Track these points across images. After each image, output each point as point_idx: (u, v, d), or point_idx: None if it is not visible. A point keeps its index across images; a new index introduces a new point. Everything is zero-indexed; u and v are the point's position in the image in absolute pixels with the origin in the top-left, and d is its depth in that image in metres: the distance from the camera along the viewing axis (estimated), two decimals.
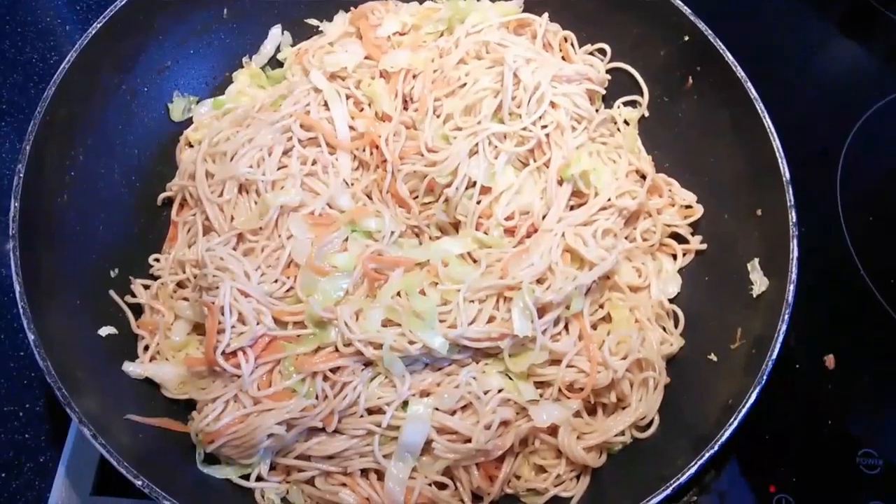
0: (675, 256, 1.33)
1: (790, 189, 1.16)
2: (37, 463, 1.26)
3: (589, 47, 1.46)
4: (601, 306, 1.25)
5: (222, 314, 1.10)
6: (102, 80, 1.26)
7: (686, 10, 1.32)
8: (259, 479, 1.10)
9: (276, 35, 1.48)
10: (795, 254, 1.12)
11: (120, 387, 1.15)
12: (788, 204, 1.16)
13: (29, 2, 1.64)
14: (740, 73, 1.26)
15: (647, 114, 1.42)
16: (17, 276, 1.03)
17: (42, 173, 1.13)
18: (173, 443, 1.12)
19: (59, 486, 1.21)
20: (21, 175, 1.09)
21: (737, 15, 1.68)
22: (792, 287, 1.10)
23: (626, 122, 1.43)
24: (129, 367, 1.16)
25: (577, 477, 1.15)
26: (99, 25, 1.22)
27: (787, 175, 1.17)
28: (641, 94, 1.43)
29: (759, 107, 1.23)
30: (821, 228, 1.44)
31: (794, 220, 1.15)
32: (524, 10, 1.45)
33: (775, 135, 1.20)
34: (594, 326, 1.22)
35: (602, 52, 1.45)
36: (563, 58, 1.45)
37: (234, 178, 1.25)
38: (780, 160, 1.19)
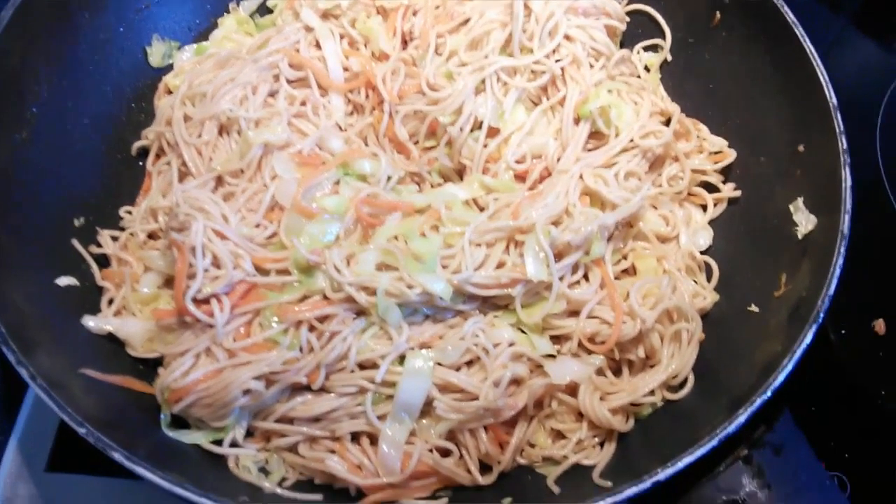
0: (704, 207, 1.19)
1: (838, 115, 1.03)
2: None
3: None
4: (625, 257, 1.11)
5: (194, 255, 0.96)
6: (70, 11, 1.14)
7: None
8: (234, 444, 0.96)
9: None
10: (849, 182, 0.99)
11: (78, 343, 1.01)
12: (838, 130, 1.02)
13: None
14: None
15: (670, 58, 1.30)
16: None
17: None
18: (137, 405, 0.98)
19: (10, 461, 1.08)
20: None
21: None
22: (847, 217, 0.96)
23: (646, 69, 1.30)
24: (90, 322, 1.02)
25: (601, 444, 1.00)
26: None
27: (835, 100, 1.04)
28: (663, 37, 1.30)
29: (799, 31, 1.10)
30: (860, 185, 1.29)
31: (845, 146, 1.01)
32: None
33: (818, 60, 1.07)
34: (617, 278, 1.08)
35: None
36: None
37: (215, 116, 1.13)
38: (825, 85, 1.06)
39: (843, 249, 0.94)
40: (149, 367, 1.03)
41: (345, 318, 0.98)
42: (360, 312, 0.98)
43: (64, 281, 1.04)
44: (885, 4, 1.60)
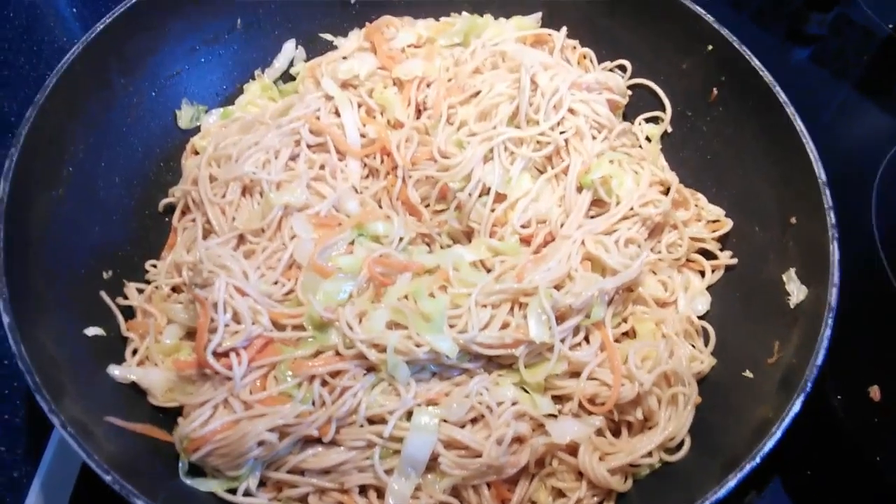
0: (702, 273, 1.24)
1: (827, 191, 1.09)
2: (9, 478, 1.16)
3: (608, 64, 1.42)
4: (625, 320, 1.16)
5: (215, 311, 1.02)
6: (110, 78, 1.23)
7: (709, 17, 1.28)
8: (247, 493, 1.00)
9: (290, 49, 1.45)
10: (836, 256, 1.04)
11: (104, 391, 1.06)
12: (826, 206, 1.08)
13: None
14: (768, 77, 1.20)
15: (669, 129, 1.37)
16: (2, 267, 0.96)
17: (37, 161, 1.08)
18: (157, 452, 1.02)
19: (33, 502, 1.11)
20: (14, 159, 1.04)
21: None
22: (835, 290, 1.01)
23: (647, 139, 1.37)
24: (115, 371, 1.08)
25: (601, 503, 1.03)
26: (108, 20, 1.20)
27: (823, 176, 1.10)
28: (664, 110, 1.37)
29: (790, 110, 1.16)
30: (856, 253, 1.35)
31: (834, 221, 1.06)
32: (542, 27, 1.42)
33: (808, 137, 1.13)
34: (616, 340, 1.13)
35: (622, 68, 1.41)
36: None
37: (238, 178, 1.20)
38: (814, 162, 1.12)
39: (830, 321, 0.99)
40: (168, 416, 1.07)
41: (356, 373, 1.03)
42: (371, 368, 1.04)
43: (92, 331, 1.09)
44: (889, 67, 1.68)
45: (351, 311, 1.05)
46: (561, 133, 1.23)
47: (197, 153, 1.34)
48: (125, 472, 0.90)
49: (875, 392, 1.21)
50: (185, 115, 1.35)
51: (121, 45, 1.23)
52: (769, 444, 0.92)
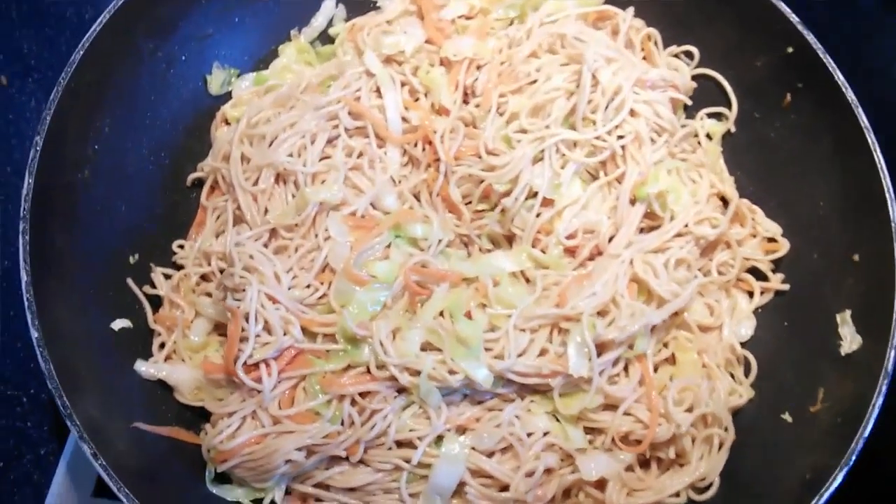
0: (751, 294, 1.19)
1: None
2: (37, 455, 1.17)
3: (675, 49, 1.30)
4: (665, 345, 1.12)
5: (246, 321, 0.99)
6: (137, 44, 1.15)
7: (794, 17, 1.16)
8: None
9: (330, 7, 1.34)
10: None
11: (129, 387, 1.05)
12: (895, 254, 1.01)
13: None
14: (851, 96, 1.10)
15: (733, 129, 1.27)
16: (25, 263, 0.92)
17: (62, 147, 1.03)
18: (182, 454, 1.02)
19: (59, 483, 1.14)
20: (38, 148, 0.98)
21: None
22: (893, 353, 0.96)
23: (708, 137, 1.28)
24: (142, 367, 1.06)
25: None
26: None
27: None
28: (729, 107, 1.27)
29: (871, 138, 1.07)
30: None
31: None
32: (606, 2, 1.30)
33: (886, 172, 1.05)
34: (656, 368, 1.10)
35: (689, 55, 1.30)
36: (644, 58, 1.30)
37: (272, 165, 1.13)
38: (889, 202, 1.04)
39: (884, 388, 0.94)
40: (195, 413, 1.07)
41: (386, 395, 1.00)
42: (402, 390, 1.01)
43: (119, 324, 1.07)
44: None
45: (385, 328, 1.01)
46: (619, 138, 1.14)
47: (227, 122, 1.27)
48: (147, 479, 0.91)
49: None
50: (217, 80, 1.27)
51: (150, 9, 1.14)
52: None
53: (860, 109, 1.09)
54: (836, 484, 0.90)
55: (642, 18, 1.30)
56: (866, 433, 0.92)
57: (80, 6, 1.48)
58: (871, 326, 1.01)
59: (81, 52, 1.05)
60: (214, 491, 1.00)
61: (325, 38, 1.35)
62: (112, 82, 1.11)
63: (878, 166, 1.06)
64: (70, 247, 1.03)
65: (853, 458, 0.91)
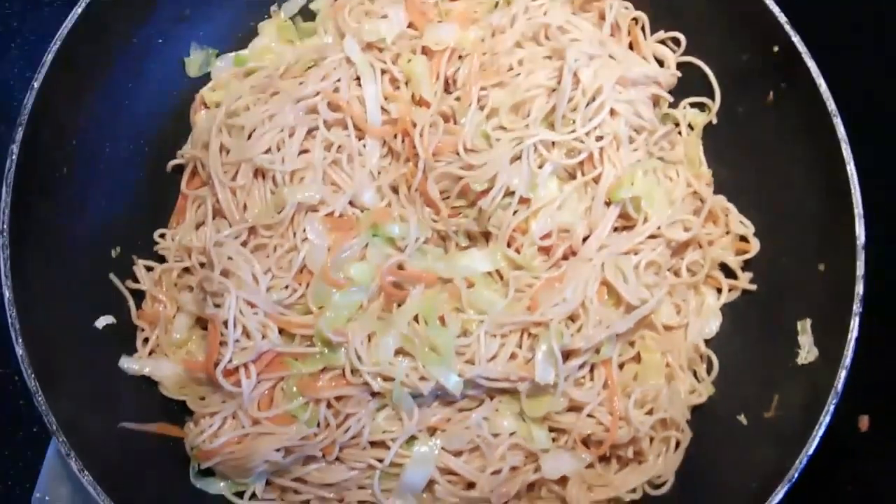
0: (719, 290, 1.22)
1: (863, 256, 1.04)
2: (30, 433, 1.24)
3: (662, 34, 1.28)
4: (632, 344, 1.16)
5: (225, 328, 1.03)
6: (111, 33, 1.13)
7: (782, 17, 1.13)
8: (253, 497, 1.07)
9: None
10: (855, 334, 1.01)
11: (115, 382, 1.10)
12: (858, 273, 1.03)
13: None
14: (832, 106, 1.09)
15: (715, 121, 1.26)
16: (6, 277, 0.94)
17: (39, 149, 1.03)
18: (168, 447, 1.08)
19: (52, 461, 1.18)
20: (14, 157, 0.98)
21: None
22: (843, 373, 1.00)
23: (690, 127, 1.28)
24: (126, 364, 1.11)
25: None
26: None
27: (863, 239, 1.04)
28: (712, 98, 1.26)
29: (847, 152, 1.07)
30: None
31: (861, 293, 1.03)
32: None
33: (858, 190, 1.06)
34: (622, 365, 1.14)
35: (676, 41, 1.27)
36: (630, 44, 1.28)
37: (250, 162, 1.13)
38: (856, 219, 1.05)
39: (832, 408, 0.99)
40: (180, 405, 1.12)
41: (361, 399, 1.05)
42: (376, 393, 1.06)
43: (102, 322, 1.11)
44: None
45: (360, 334, 1.05)
46: (598, 139, 1.14)
47: (206, 106, 1.25)
48: (129, 479, 0.97)
49: (864, 422, 1.23)
50: (195, 62, 1.25)
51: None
52: None
53: (838, 119, 1.09)
54: (777, 498, 0.96)
55: (631, 2, 1.27)
56: (811, 451, 0.98)
57: None
58: (826, 341, 1.05)
59: (54, 50, 1.03)
60: (198, 485, 1.06)
61: (307, 12, 1.32)
62: (87, 75, 1.10)
63: (851, 183, 1.06)
64: (51, 248, 1.06)
65: (796, 475, 0.97)
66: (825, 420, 0.98)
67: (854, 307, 1.02)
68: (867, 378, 1.23)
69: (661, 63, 1.27)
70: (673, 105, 1.27)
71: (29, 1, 1.41)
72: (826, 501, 1.19)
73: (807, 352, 1.08)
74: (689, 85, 1.27)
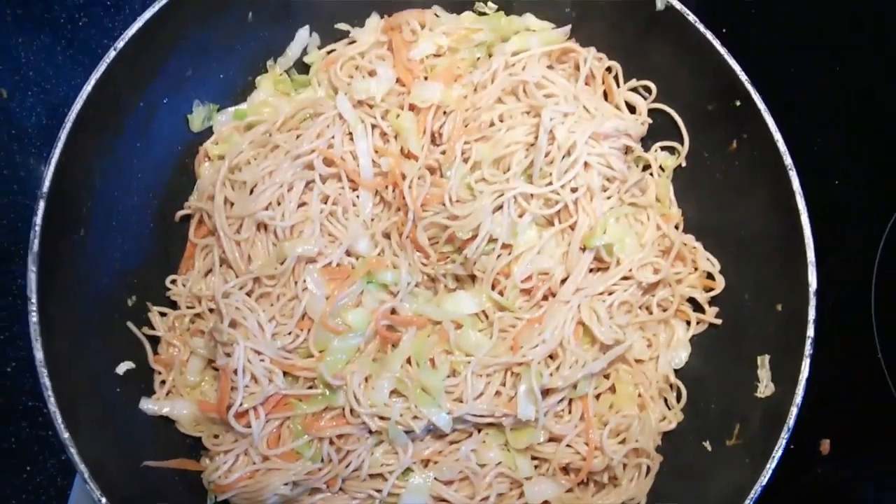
0: (689, 323, 1.32)
1: (814, 302, 1.14)
2: (59, 461, 1.34)
3: (634, 83, 1.37)
4: (607, 377, 1.27)
5: (235, 375, 1.13)
6: (121, 101, 1.20)
7: (743, 76, 1.22)
8: None
9: (304, 37, 1.38)
10: (806, 374, 1.12)
11: (136, 422, 1.20)
12: (810, 318, 1.14)
13: None
14: (788, 160, 1.19)
15: (684, 164, 1.36)
16: (36, 341, 1.04)
17: (60, 213, 1.11)
18: (187, 482, 1.19)
19: (80, 485, 1.30)
20: (37, 228, 1.07)
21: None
22: (795, 410, 1.11)
23: (661, 168, 1.38)
24: (146, 405, 1.21)
25: None
26: (120, 45, 1.15)
27: (815, 286, 1.14)
28: (681, 142, 1.36)
29: (801, 203, 1.17)
30: (848, 305, 1.42)
31: (812, 335, 1.13)
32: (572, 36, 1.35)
33: (811, 242, 1.16)
34: (598, 396, 1.25)
35: (647, 89, 1.36)
36: (605, 92, 1.37)
37: (253, 217, 1.23)
38: (809, 267, 1.15)
39: (784, 442, 1.10)
40: (195, 440, 1.23)
41: (360, 436, 1.16)
42: (373, 431, 1.17)
43: (123, 367, 1.20)
44: None
45: (357, 378, 1.16)
46: (572, 191, 1.24)
47: (210, 158, 1.34)
48: None
49: (825, 446, 1.35)
50: (198, 118, 1.33)
51: (131, 63, 1.19)
52: None
53: (794, 173, 1.18)
54: None
55: (605, 53, 1.36)
56: (765, 481, 1.09)
57: (74, 11, 1.51)
58: (782, 378, 1.16)
59: (69, 125, 1.11)
60: None
61: (301, 66, 1.40)
62: (100, 142, 1.18)
63: (805, 233, 1.16)
64: (74, 305, 1.14)
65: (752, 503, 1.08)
66: (778, 454, 1.09)
67: (805, 350, 1.13)
68: (828, 403, 1.36)
69: (632, 109, 1.37)
70: (645, 147, 1.37)
71: (43, 49, 1.49)
72: None
73: (765, 386, 1.19)
74: (659, 129, 1.37)
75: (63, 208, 1.13)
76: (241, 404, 1.13)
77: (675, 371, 1.30)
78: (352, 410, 1.15)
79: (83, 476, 1.03)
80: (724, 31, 1.29)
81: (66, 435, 1.05)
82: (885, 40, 1.55)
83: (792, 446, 1.30)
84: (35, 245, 1.07)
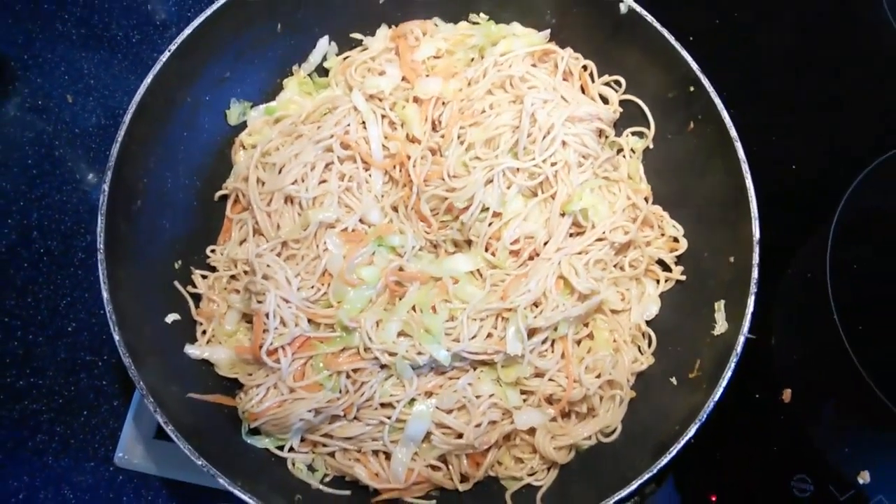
0: (658, 281, 1.52)
1: (757, 249, 1.33)
2: (111, 406, 1.55)
3: (606, 78, 1.59)
4: (586, 325, 1.46)
5: (267, 318, 1.34)
6: (172, 95, 1.44)
7: (695, 65, 1.44)
8: (291, 449, 1.38)
9: (324, 45, 1.63)
10: (751, 308, 1.31)
11: (182, 364, 1.40)
12: (754, 262, 1.33)
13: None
14: (733, 133, 1.40)
15: (651, 146, 1.58)
16: (104, 284, 1.26)
17: (122, 187, 1.34)
18: (223, 413, 1.38)
19: (129, 428, 1.49)
20: (105, 195, 1.30)
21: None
22: (742, 338, 1.29)
23: (632, 151, 1.59)
24: (190, 350, 1.41)
25: (548, 469, 1.40)
26: (173, 47, 1.39)
27: (758, 236, 1.34)
28: (648, 127, 1.57)
29: (745, 168, 1.38)
30: (806, 265, 1.62)
31: (756, 277, 1.32)
32: (552, 38, 1.59)
33: (754, 196, 1.36)
34: (578, 342, 1.44)
35: (618, 83, 1.59)
36: (581, 86, 1.59)
37: (282, 191, 1.45)
38: (753, 222, 1.35)
39: (734, 364, 1.28)
40: (232, 382, 1.43)
41: (372, 370, 1.36)
42: (384, 366, 1.37)
43: (171, 318, 1.42)
44: None
45: (370, 321, 1.36)
46: (552, 165, 1.45)
47: (244, 147, 1.58)
48: (196, 432, 1.26)
49: (786, 395, 1.53)
50: (234, 113, 1.57)
51: (180, 65, 1.43)
52: (682, 443, 1.25)
53: (738, 144, 1.39)
54: (691, 433, 1.25)
55: (581, 53, 1.59)
56: (717, 397, 1.27)
57: (128, 30, 1.79)
58: (733, 316, 1.35)
59: (131, 112, 1.35)
60: (248, 441, 1.37)
61: (322, 70, 1.64)
62: (154, 129, 1.42)
63: (749, 193, 1.36)
64: (132, 262, 1.36)
65: (705, 416, 1.26)
66: (728, 374, 1.27)
67: (751, 288, 1.32)
68: (791, 357, 1.55)
69: (605, 101, 1.59)
70: (618, 134, 1.59)
71: (102, 62, 1.75)
72: (759, 457, 1.50)
73: (720, 326, 1.38)
74: (630, 117, 1.59)
75: (125, 181, 1.36)
76: (271, 343, 1.34)
77: (647, 322, 1.49)
78: (365, 348, 1.35)
79: (142, 393, 1.23)
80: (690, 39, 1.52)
81: (130, 364, 1.25)
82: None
83: (757, 395, 1.50)
84: (103, 206, 1.30)
